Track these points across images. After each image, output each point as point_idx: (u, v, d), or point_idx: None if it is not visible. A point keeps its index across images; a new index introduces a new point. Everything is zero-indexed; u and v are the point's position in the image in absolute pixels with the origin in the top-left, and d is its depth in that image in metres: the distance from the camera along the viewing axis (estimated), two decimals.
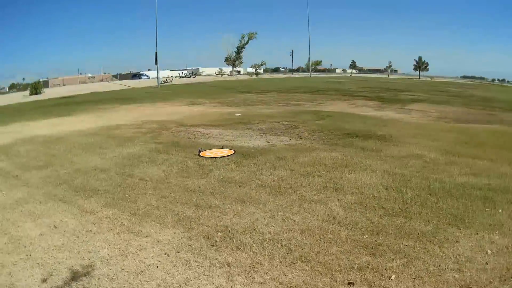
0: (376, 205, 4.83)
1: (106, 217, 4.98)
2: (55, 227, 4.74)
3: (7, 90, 47.69)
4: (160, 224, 4.73)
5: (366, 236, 4.04)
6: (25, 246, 4.29)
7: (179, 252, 4.02)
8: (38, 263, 3.92)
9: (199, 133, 10.95)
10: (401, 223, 4.31)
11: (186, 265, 3.76)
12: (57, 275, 3.66)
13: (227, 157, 7.78)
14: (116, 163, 7.65)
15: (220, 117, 14.15)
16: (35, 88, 37.65)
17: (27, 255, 4.09)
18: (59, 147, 9.43)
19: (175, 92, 30.57)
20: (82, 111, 18.67)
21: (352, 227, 4.28)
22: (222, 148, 8.68)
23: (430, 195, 5.15)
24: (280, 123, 12.31)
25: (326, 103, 19.60)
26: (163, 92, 31.06)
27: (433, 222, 4.30)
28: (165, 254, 4.01)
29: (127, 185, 6.28)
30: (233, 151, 8.30)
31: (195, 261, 3.81)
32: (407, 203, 4.86)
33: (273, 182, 6.05)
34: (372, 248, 3.82)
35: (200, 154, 8.15)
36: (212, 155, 8.02)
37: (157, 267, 3.75)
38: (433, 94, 27.49)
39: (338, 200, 5.08)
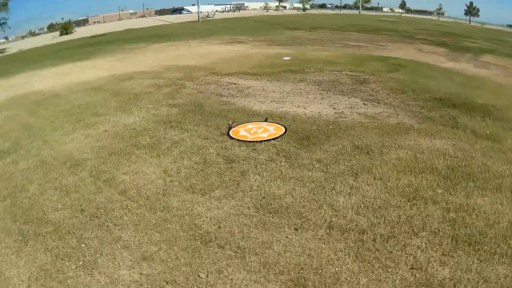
0: None
1: None
2: None
3: (45, 30, 45.73)
4: None
5: None
6: None
7: None
8: None
9: (235, 86, 7.91)
10: None
11: None
12: None
13: (273, 141, 4.74)
14: (99, 149, 4.88)
15: (265, 61, 10.75)
16: (65, 28, 36.24)
17: None
18: (44, 113, 6.98)
19: (215, 28, 26.95)
20: (104, 52, 16.11)
21: None
22: (266, 120, 5.55)
23: None
24: (343, 73, 8.96)
25: (389, 46, 16.17)
26: (202, 28, 27.55)
27: None
28: None
29: (95, 209, 3.48)
30: (284, 129, 5.17)
31: None
32: None
33: (359, 218, 3.18)
34: None
35: (230, 133, 5.12)
36: (250, 137, 4.95)
37: None
38: (497, 44, 22.44)
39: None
